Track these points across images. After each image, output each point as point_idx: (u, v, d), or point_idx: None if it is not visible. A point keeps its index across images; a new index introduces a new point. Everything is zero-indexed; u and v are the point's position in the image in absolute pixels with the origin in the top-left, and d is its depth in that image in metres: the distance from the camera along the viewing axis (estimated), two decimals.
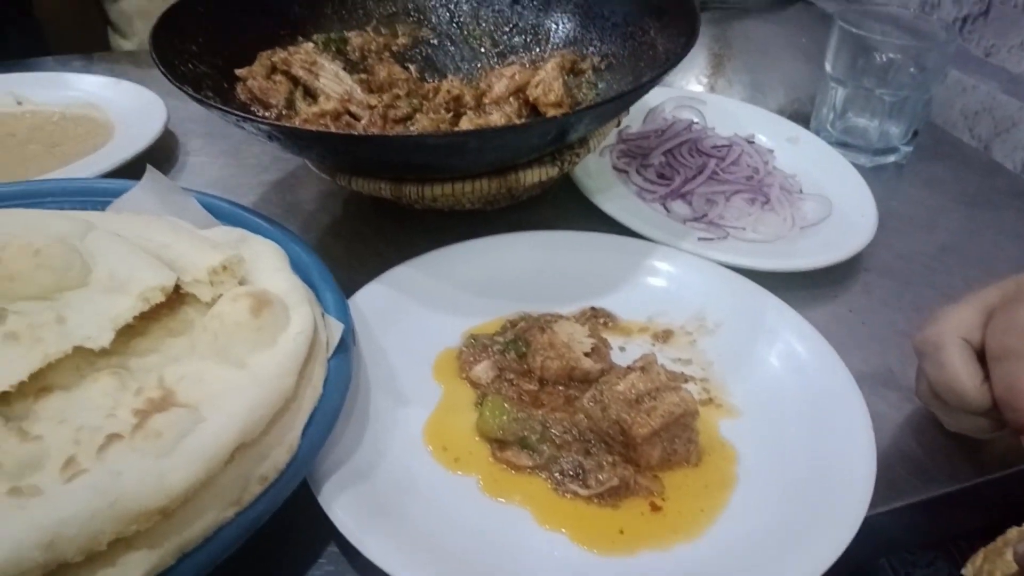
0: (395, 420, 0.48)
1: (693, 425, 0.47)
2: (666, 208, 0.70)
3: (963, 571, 0.39)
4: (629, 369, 0.49)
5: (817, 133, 0.81)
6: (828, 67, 0.79)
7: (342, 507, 0.41)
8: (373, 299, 0.54)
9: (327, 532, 0.41)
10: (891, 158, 0.80)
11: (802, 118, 0.83)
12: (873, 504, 0.45)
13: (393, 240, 0.64)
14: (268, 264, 0.47)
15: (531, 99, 0.67)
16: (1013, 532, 0.38)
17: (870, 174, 0.75)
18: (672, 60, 0.58)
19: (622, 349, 0.55)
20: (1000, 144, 0.95)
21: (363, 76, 0.71)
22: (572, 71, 0.71)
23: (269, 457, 0.38)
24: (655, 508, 0.44)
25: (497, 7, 0.79)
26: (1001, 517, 0.40)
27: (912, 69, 0.76)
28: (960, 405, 0.44)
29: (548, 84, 0.66)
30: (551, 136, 0.53)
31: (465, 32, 0.79)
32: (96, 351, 0.39)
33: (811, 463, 0.46)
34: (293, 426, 0.40)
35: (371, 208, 0.70)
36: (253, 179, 0.74)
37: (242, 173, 0.75)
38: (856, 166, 0.75)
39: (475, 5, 0.79)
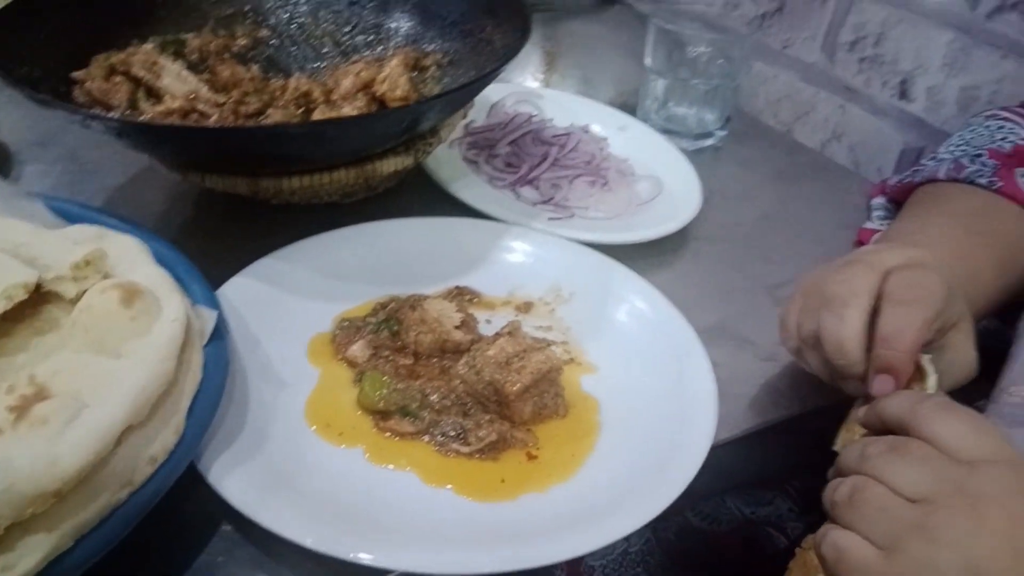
0: (276, 403, 0.49)
1: (559, 380, 0.51)
2: (516, 193, 0.74)
3: (834, 447, 0.46)
4: (497, 335, 0.52)
5: (644, 121, 0.88)
6: (648, 61, 0.87)
7: (233, 483, 0.42)
8: (241, 291, 0.55)
9: (220, 513, 0.42)
10: (709, 142, 0.89)
11: (630, 108, 0.90)
12: (716, 437, 0.52)
13: (250, 236, 0.64)
14: (131, 258, 0.47)
15: (378, 95, 0.69)
16: (859, 409, 0.45)
17: (692, 156, 0.82)
18: (509, 53, 0.62)
19: (488, 322, 0.58)
20: (800, 126, 1.07)
21: (206, 76, 0.71)
22: (416, 68, 0.74)
23: (157, 439, 0.38)
24: (531, 457, 0.48)
25: (336, 8, 0.80)
26: (822, 453, 0.47)
27: (720, 61, 0.85)
28: (841, 358, 0.47)
29: (394, 80, 0.68)
30: (404, 124, 0.56)
31: (306, 33, 0.80)
32: None
33: (662, 406, 0.51)
34: (177, 409, 0.40)
35: (224, 206, 0.69)
36: (95, 184, 0.72)
37: (83, 179, 0.72)
38: (680, 150, 0.83)
39: (314, 6, 0.80)
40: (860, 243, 0.72)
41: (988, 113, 0.71)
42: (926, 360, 0.45)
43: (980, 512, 0.34)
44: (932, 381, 0.44)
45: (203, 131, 0.56)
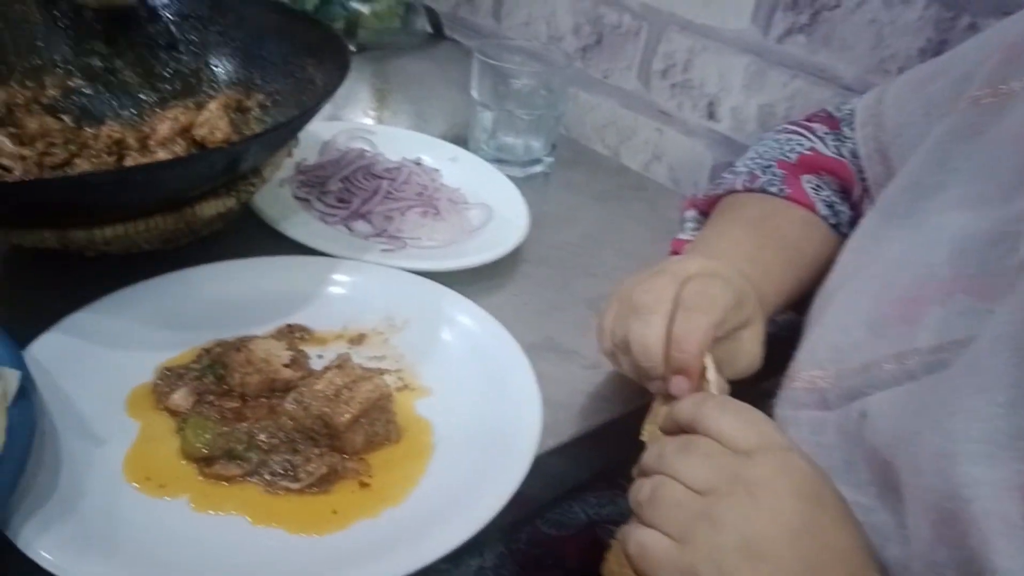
0: (92, 460, 0.47)
1: (389, 407, 0.52)
2: (349, 228, 0.75)
3: (641, 437, 0.50)
4: (327, 369, 0.53)
5: (475, 152, 0.91)
6: (474, 94, 0.90)
7: (45, 547, 0.40)
8: (51, 348, 0.53)
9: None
10: (538, 168, 0.93)
11: (461, 140, 0.94)
12: (545, 445, 0.54)
13: (65, 292, 0.61)
14: None
15: (198, 139, 0.69)
16: (658, 402, 0.50)
17: (523, 183, 0.86)
18: (329, 89, 0.63)
19: (320, 357, 0.59)
20: (625, 150, 1.14)
21: (11, 130, 0.68)
22: (239, 109, 0.74)
23: None
24: (364, 485, 0.49)
25: (153, 52, 0.79)
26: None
27: (543, 91, 0.90)
28: (647, 361, 0.50)
29: (214, 123, 0.68)
30: (220, 166, 0.56)
31: (121, 79, 0.79)
32: None
33: (491, 420, 0.53)
34: None
35: (35, 262, 0.66)
36: None
37: None
38: (511, 177, 0.86)
39: (128, 52, 0.79)
40: (674, 252, 0.77)
41: (778, 128, 0.78)
42: (708, 360, 0.49)
43: (754, 495, 0.39)
44: (713, 379, 0.48)
45: None
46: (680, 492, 0.40)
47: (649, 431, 0.49)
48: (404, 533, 0.45)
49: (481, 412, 0.54)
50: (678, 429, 0.45)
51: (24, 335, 0.53)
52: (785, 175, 0.69)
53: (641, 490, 0.43)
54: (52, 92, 0.75)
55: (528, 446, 0.50)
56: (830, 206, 0.67)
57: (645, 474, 0.44)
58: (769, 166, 0.71)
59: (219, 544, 0.44)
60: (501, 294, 0.71)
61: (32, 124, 0.69)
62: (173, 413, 0.52)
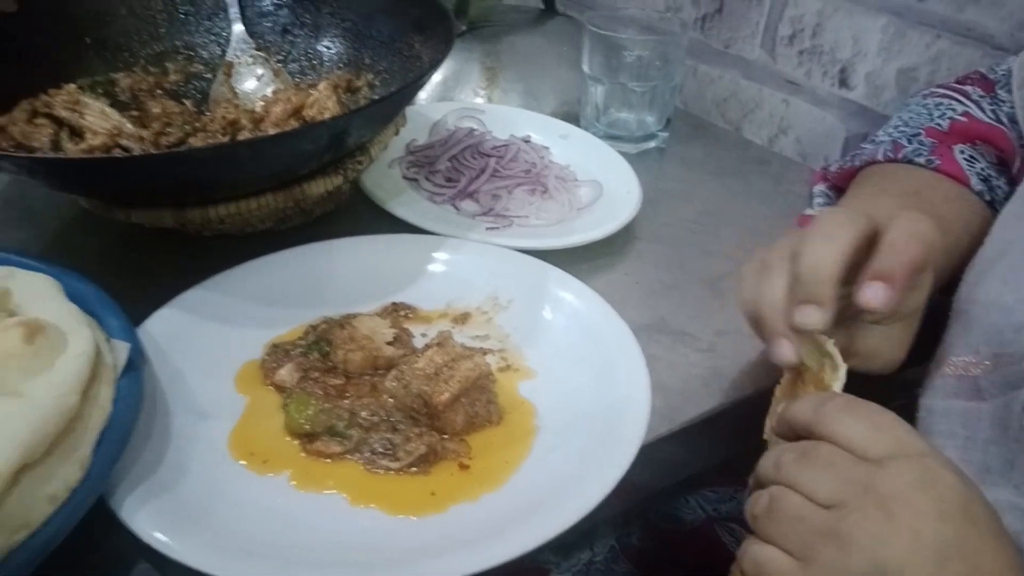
0: (198, 435, 0.48)
1: (490, 387, 0.50)
2: (456, 208, 0.74)
3: (764, 436, 0.45)
4: (427, 347, 0.51)
5: (587, 129, 0.88)
6: (585, 68, 0.87)
7: (147, 520, 0.40)
8: (165, 323, 0.54)
9: (137, 552, 0.40)
10: (652, 144, 0.89)
11: (572, 118, 0.90)
12: (656, 431, 0.51)
13: (185, 271, 0.63)
14: (39, 294, 0.46)
15: (308, 119, 0.69)
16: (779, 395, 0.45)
17: (636, 159, 0.82)
18: (433, 64, 0.62)
19: (424, 335, 0.57)
20: (748, 124, 1.07)
21: (135, 113, 0.71)
22: (349, 89, 0.74)
23: (57, 477, 0.37)
24: (463, 467, 0.47)
25: (269, 37, 0.80)
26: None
27: (657, 63, 0.85)
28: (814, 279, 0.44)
29: (323, 103, 0.68)
30: (324, 141, 0.55)
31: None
32: None
33: (597, 404, 0.50)
34: (81, 444, 0.39)
35: (158, 243, 0.68)
36: (30, 231, 0.71)
37: (18, 226, 0.72)
38: (623, 154, 0.82)
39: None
40: None
41: (925, 92, 0.71)
42: (835, 351, 0.44)
43: (889, 511, 0.34)
44: (842, 373, 0.43)
45: (108, 162, 0.55)
46: (802, 505, 0.36)
47: (771, 427, 0.45)
48: (503, 519, 0.43)
49: (587, 395, 0.51)
50: (794, 435, 0.40)
51: (142, 312, 0.55)
52: (935, 144, 0.63)
53: (758, 502, 0.38)
54: (175, 77, 0.78)
55: (636, 432, 0.47)
56: (985, 180, 0.60)
57: (761, 484, 0.39)
58: (916, 134, 0.64)
59: (318, 522, 0.43)
60: (611, 273, 0.67)
61: (155, 108, 0.71)
62: (279, 389, 0.52)
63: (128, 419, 0.42)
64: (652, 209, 0.75)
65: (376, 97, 0.74)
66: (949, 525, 0.33)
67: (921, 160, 0.62)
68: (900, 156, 0.63)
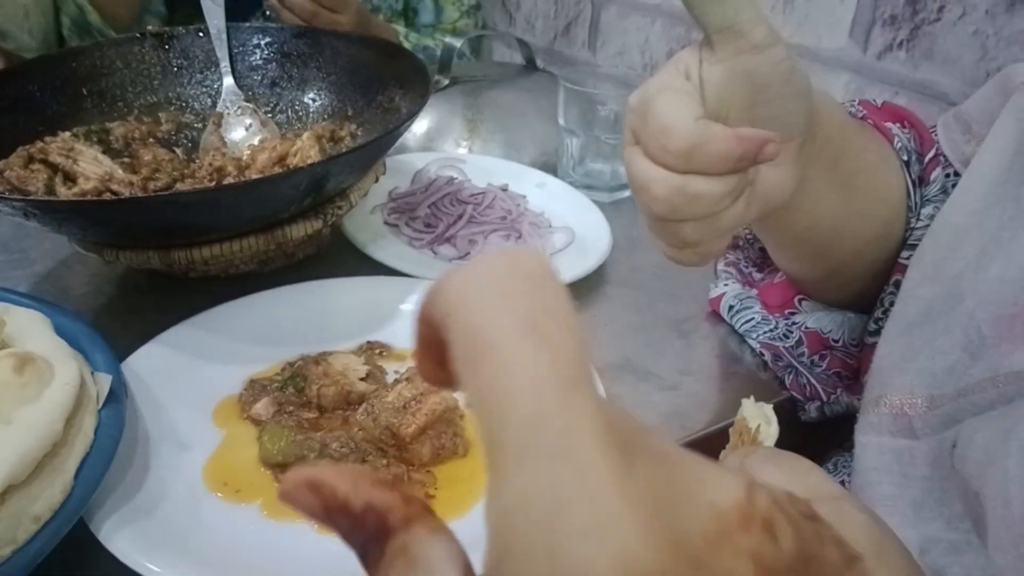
0: (177, 465, 0.50)
1: (457, 421, 0.52)
2: (434, 252, 0.77)
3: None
4: (396, 382, 0.54)
5: (563, 179, 0.92)
6: (561, 121, 0.91)
7: (125, 543, 0.42)
8: (148, 359, 0.56)
9: (117, 573, 0.42)
10: (626, 193, 0.93)
11: (551, 168, 0.94)
12: None
13: (171, 310, 0.66)
14: (30, 329, 0.49)
15: (291, 167, 0.72)
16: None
17: (610, 208, 0.86)
18: (411, 115, 0.66)
19: (397, 372, 0.60)
20: None
21: (127, 160, 0.74)
22: (332, 139, 0.78)
23: (41, 498, 0.39)
24: (429, 497, 0.49)
25: (257, 90, 0.85)
26: None
27: None
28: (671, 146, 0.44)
29: (305, 152, 0.71)
30: (304, 186, 0.59)
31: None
32: None
33: None
34: (64, 469, 0.41)
35: (146, 284, 0.71)
36: (22, 272, 0.74)
37: (10, 268, 0.74)
38: (597, 203, 0.86)
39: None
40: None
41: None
42: (771, 412, 0.46)
43: None
44: (773, 429, 0.45)
45: (99, 205, 0.58)
46: None
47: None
48: (466, 546, 0.45)
49: None
50: None
51: (127, 348, 0.57)
52: (867, 111, 0.63)
53: None
54: (167, 127, 0.81)
55: None
56: (907, 148, 0.60)
57: None
58: (852, 102, 0.65)
59: (288, 549, 0.45)
60: (581, 316, 0.70)
61: (146, 155, 0.74)
62: (255, 422, 0.54)
63: (109, 447, 0.44)
64: (623, 255, 0.78)
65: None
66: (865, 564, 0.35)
67: (851, 110, 0.62)
68: None
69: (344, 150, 0.77)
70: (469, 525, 0.47)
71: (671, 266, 0.79)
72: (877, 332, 0.58)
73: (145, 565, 0.41)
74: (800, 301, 0.66)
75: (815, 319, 0.65)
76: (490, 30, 1.44)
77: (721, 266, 0.73)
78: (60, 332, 0.51)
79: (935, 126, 0.70)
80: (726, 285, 0.71)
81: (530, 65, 1.14)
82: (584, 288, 0.73)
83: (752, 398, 0.46)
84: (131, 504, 0.45)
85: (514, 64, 1.18)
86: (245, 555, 0.44)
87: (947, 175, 0.60)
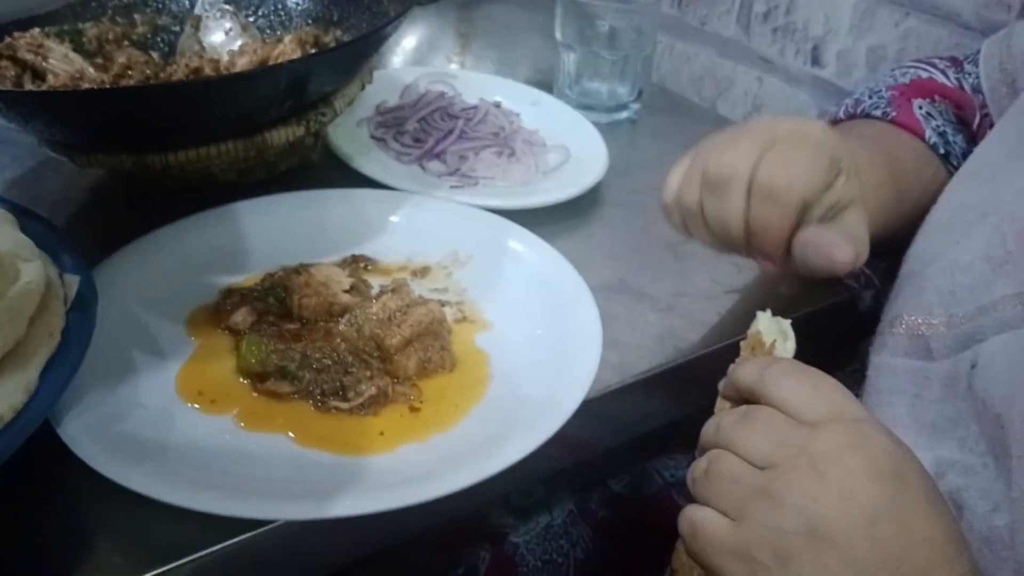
0: (150, 373, 0.48)
1: (444, 334, 0.51)
2: (423, 167, 0.74)
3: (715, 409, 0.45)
4: (381, 293, 0.52)
5: (559, 98, 0.88)
6: (558, 35, 0.87)
7: (94, 446, 0.40)
8: (121, 265, 0.54)
9: (87, 481, 0.40)
10: (624, 114, 0.89)
11: (546, 86, 0.91)
12: (609, 384, 0.52)
13: (147, 219, 0.62)
14: None
15: None
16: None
17: (607, 129, 0.83)
18: (398, 15, 0.62)
19: (382, 286, 0.57)
20: (723, 101, 1.08)
21: (98, 61, 0.70)
22: (316, 45, 0.74)
23: (3, 398, 0.37)
24: (413, 410, 0.47)
25: None
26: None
27: (631, 33, 0.86)
28: (728, 240, 0.49)
29: (287, 57, 0.68)
30: (283, 85, 0.55)
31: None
32: None
33: (550, 355, 0.51)
34: (28, 368, 0.39)
35: (122, 192, 0.68)
36: None
37: None
38: (595, 124, 0.83)
39: None
40: None
41: (895, 66, 0.71)
42: (788, 327, 0.44)
43: (819, 471, 0.34)
44: (791, 344, 0.43)
45: (61, 95, 0.55)
46: (737, 466, 0.36)
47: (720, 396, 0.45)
48: (449, 458, 0.43)
49: (540, 346, 0.52)
50: (740, 397, 0.41)
51: (101, 257, 0.55)
52: (893, 96, 0.62)
53: (697, 466, 0.39)
54: (142, 29, 0.77)
55: (583, 380, 0.47)
56: (942, 135, 0.61)
57: (704, 449, 0.40)
58: (878, 91, 0.65)
59: (264, 459, 0.44)
60: (575, 236, 0.68)
61: (120, 58, 0.70)
62: (233, 332, 0.52)
63: (76, 350, 0.42)
64: (620, 177, 0.76)
65: None
66: (880, 486, 0.33)
67: (878, 113, 0.62)
68: (859, 111, 0.64)
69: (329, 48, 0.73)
70: (455, 439, 0.45)
71: None
72: None
73: (116, 469, 0.39)
74: None
75: None
76: None
77: None
78: (27, 233, 0.48)
79: (950, 55, 0.67)
80: None
81: None
82: (579, 208, 0.70)
83: (768, 312, 0.44)
84: (101, 410, 0.43)
85: None
86: (219, 464, 0.42)
87: None
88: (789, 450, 0.35)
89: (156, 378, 0.48)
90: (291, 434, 0.45)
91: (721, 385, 0.44)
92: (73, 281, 0.45)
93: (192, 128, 0.57)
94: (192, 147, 0.58)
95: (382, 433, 0.45)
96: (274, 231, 0.61)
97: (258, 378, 0.48)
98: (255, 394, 0.48)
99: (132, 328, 0.50)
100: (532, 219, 0.64)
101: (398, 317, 0.49)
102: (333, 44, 0.74)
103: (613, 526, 0.72)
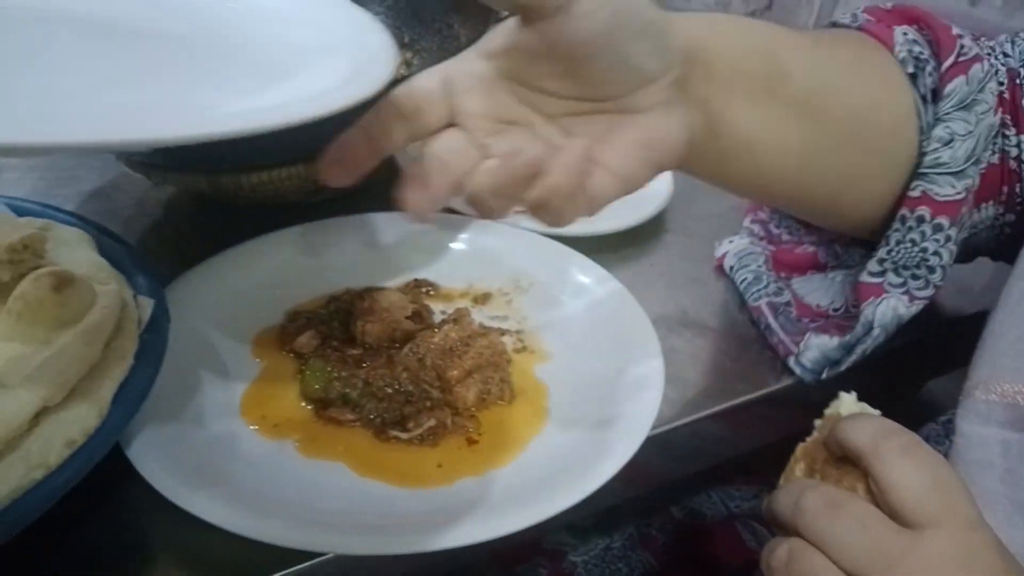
0: (215, 394, 0.49)
1: (504, 366, 0.50)
2: None
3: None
4: (443, 323, 0.52)
5: None
6: None
7: (160, 471, 0.41)
8: (191, 285, 0.55)
9: (151, 500, 0.41)
10: None
11: None
12: (670, 420, 0.51)
13: (217, 237, 0.64)
14: (73, 247, 0.47)
15: None
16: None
17: None
18: (470, 42, 0.62)
19: (443, 312, 0.58)
20: None
21: None
22: None
23: (76, 422, 0.38)
24: (471, 442, 0.47)
25: None
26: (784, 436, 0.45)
27: None
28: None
29: None
30: (357, 110, 0.56)
31: None
32: None
33: (611, 389, 0.50)
34: (101, 393, 0.40)
35: (194, 208, 0.70)
36: (70, 190, 0.73)
37: (58, 186, 0.73)
38: None
39: None
40: None
41: None
42: (876, 414, 0.39)
43: None
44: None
45: None
46: (824, 569, 0.33)
47: (801, 450, 0.41)
48: (508, 493, 0.43)
49: (601, 380, 0.51)
50: (840, 454, 0.37)
51: (171, 274, 0.56)
52: (868, 18, 0.53)
53: (775, 552, 0.35)
54: None
55: (645, 419, 0.47)
56: (916, 58, 0.50)
57: (777, 522, 0.37)
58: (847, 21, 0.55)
59: (324, 487, 0.44)
60: (637, 264, 0.67)
61: None
62: (297, 355, 0.52)
63: (148, 374, 0.43)
64: (684, 203, 0.75)
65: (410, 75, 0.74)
66: None
67: (845, 20, 0.54)
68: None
69: (399, 77, 0.74)
70: (513, 473, 0.45)
71: (734, 216, 0.75)
72: (878, 273, 0.52)
73: (180, 493, 0.40)
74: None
75: (806, 287, 0.60)
76: None
77: (747, 221, 0.68)
78: (103, 252, 0.50)
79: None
80: (730, 242, 0.66)
81: None
82: (642, 235, 0.69)
83: (854, 394, 0.41)
84: (167, 431, 0.44)
85: None
86: (278, 492, 0.43)
87: (984, 75, 0.49)
88: (885, 559, 0.32)
89: (221, 400, 0.48)
90: (349, 463, 0.45)
91: (807, 445, 0.41)
92: (147, 304, 0.46)
93: (267, 151, 0.58)
94: (264, 170, 0.59)
95: (440, 465, 0.45)
96: (340, 253, 0.62)
97: (320, 404, 0.48)
98: (317, 420, 0.48)
99: (199, 348, 0.51)
100: (592, 246, 0.64)
101: (459, 348, 0.49)
102: (404, 67, 0.75)
103: (673, 553, 0.71)
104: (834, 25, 0.55)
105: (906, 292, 0.51)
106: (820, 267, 0.61)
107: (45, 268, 0.43)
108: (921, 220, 0.50)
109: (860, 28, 0.52)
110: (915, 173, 0.50)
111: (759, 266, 0.62)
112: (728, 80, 0.44)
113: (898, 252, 0.51)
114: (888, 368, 0.60)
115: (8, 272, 0.43)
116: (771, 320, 0.57)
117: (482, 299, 0.60)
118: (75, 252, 0.47)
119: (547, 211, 0.40)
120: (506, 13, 0.92)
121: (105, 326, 0.42)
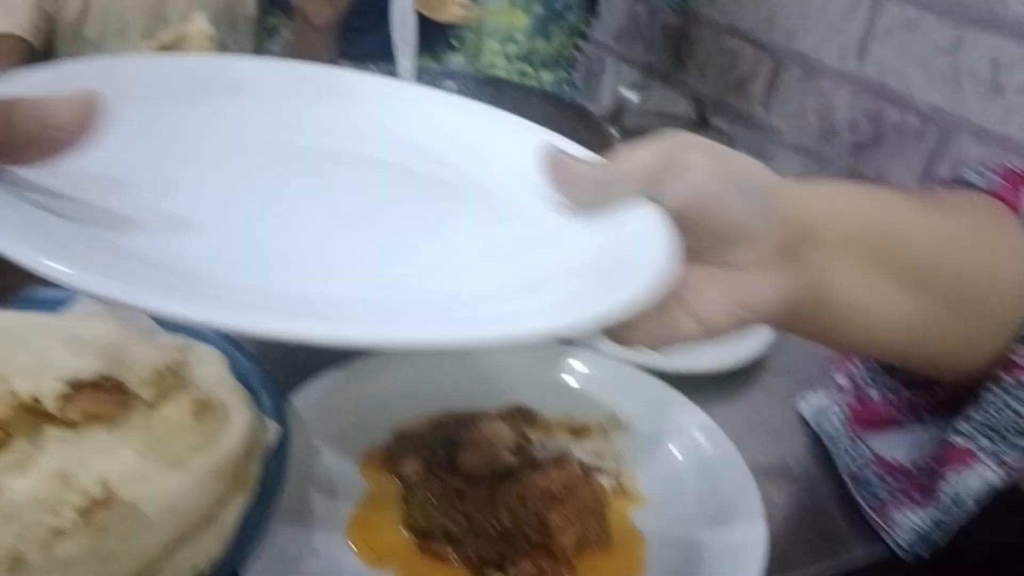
0: (323, 515, 0.51)
1: (604, 513, 0.51)
2: None
3: None
4: (545, 462, 0.53)
5: None
6: None
7: None
8: (308, 399, 0.58)
9: None
10: None
11: None
12: None
13: (322, 351, 0.67)
14: (209, 369, 0.51)
15: None
16: None
17: None
18: None
19: (542, 444, 0.59)
20: None
21: None
22: None
23: (203, 549, 0.41)
24: None
25: None
26: None
27: None
28: None
29: None
30: None
31: None
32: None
33: (710, 546, 0.50)
34: (224, 522, 0.43)
35: None
36: None
37: None
38: None
39: None
40: None
41: None
42: None
43: None
44: None
45: None
46: None
47: None
48: None
49: (700, 535, 0.51)
50: None
51: (286, 381, 0.59)
52: (1003, 173, 0.52)
53: None
54: None
55: None
56: None
57: None
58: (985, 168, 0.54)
59: None
60: (735, 405, 0.67)
61: None
62: (401, 479, 0.54)
63: (270, 500, 0.46)
64: (785, 343, 0.74)
65: None
66: None
67: (972, 177, 0.52)
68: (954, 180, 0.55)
69: None
70: None
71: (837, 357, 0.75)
72: (964, 434, 0.50)
73: None
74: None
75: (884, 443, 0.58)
76: (658, 78, 1.42)
77: (835, 372, 0.65)
78: (233, 367, 0.53)
79: None
80: (808, 400, 0.66)
81: (702, 121, 1.11)
82: (740, 377, 0.70)
83: None
84: (278, 550, 0.46)
85: (684, 118, 1.15)
86: None
87: None
88: None
89: (329, 522, 0.50)
90: None
91: None
92: (274, 431, 0.49)
93: None
94: None
95: None
96: (442, 371, 0.64)
97: (422, 534, 0.50)
98: (417, 551, 0.49)
99: (311, 465, 0.54)
100: (691, 382, 0.64)
101: (563, 495, 0.50)
102: None
103: None
104: (959, 180, 0.54)
105: (997, 460, 0.50)
106: (899, 423, 0.60)
107: (187, 395, 0.47)
108: (1020, 384, 0.48)
109: (989, 192, 0.51)
110: (1020, 337, 0.49)
111: (835, 427, 0.61)
112: (838, 249, 0.45)
113: (991, 414, 0.50)
114: None
115: (152, 392, 0.47)
116: (855, 493, 0.57)
117: (580, 432, 0.61)
118: (212, 374, 0.50)
119: (622, 329, 0.40)
120: (618, 138, 0.95)
121: (234, 460, 0.45)
